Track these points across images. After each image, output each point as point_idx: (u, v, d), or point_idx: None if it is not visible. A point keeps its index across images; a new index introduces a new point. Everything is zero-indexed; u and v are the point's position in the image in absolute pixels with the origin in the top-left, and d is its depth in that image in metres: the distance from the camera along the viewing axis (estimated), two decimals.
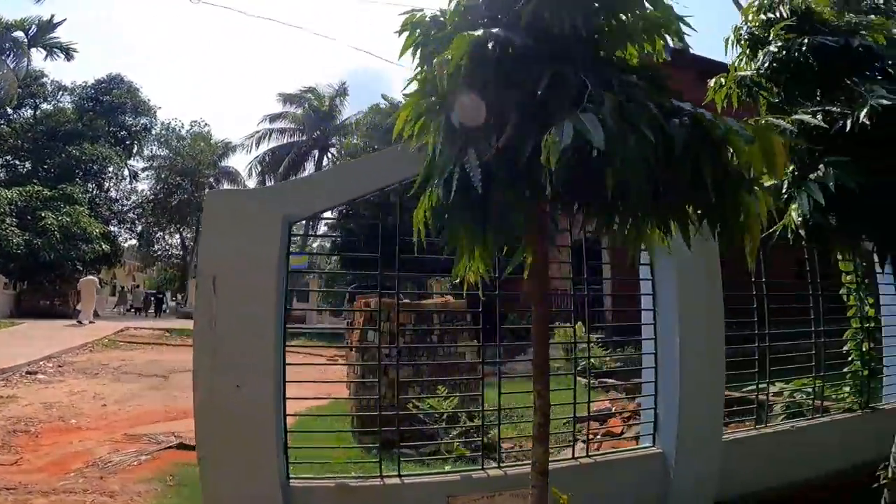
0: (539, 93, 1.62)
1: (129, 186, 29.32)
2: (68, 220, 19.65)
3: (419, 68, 1.99)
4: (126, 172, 29.87)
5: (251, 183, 27.57)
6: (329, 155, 26.13)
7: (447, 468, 3.79)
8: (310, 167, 26.08)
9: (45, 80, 25.56)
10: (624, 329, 7.20)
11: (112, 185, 28.17)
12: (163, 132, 30.46)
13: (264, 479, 2.76)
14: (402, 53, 2.00)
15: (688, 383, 3.37)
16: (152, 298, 24.78)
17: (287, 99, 26.05)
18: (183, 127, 30.96)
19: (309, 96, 25.92)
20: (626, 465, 3.43)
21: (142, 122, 29.51)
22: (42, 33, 20.03)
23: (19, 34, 19.78)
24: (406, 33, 1.96)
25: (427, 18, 1.96)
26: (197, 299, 2.93)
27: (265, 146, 25.93)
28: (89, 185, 26.27)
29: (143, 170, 30.47)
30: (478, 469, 3.21)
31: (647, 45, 1.91)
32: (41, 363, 9.92)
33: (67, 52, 20.20)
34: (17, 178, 23.56)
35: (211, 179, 31.50)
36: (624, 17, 1.86)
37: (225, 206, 2.94)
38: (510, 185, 1.71)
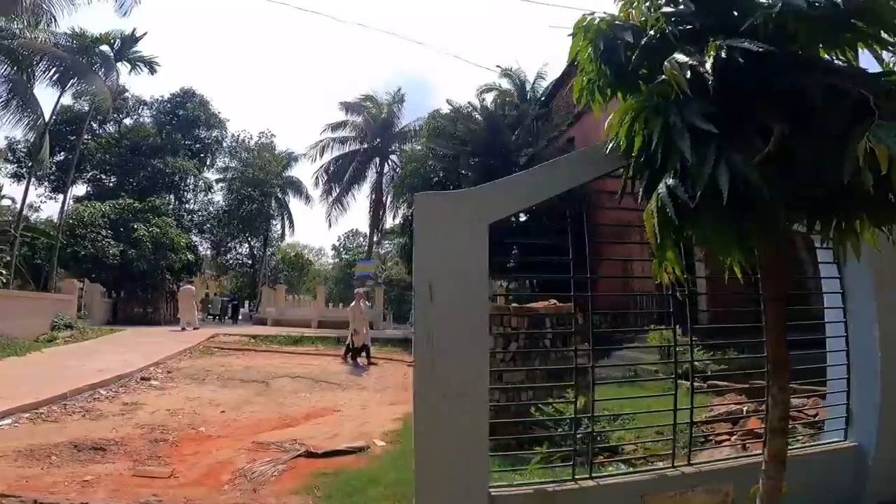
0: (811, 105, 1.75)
1: (205, 198, 30.72)
2: (157, 231, 20.64)
3: (591, 65, 2.28)
4: (201, 184, 31.37)
5: (317, 192, 28.17)
6: (389, 162, 26.28)
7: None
8: (371, 175, 26.35)
9: (126, 94, 27.05)
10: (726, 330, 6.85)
11: (191, 196, 29.58)
12: (233, 144, 31.73)
13: (475, 488, 2.71)
14: (572, 55, 2.33)
15: (889, 375, 3.32)
16: (229, 305, 25.60)
17: (347, 107, 26.38)
18: (252, 138, 32.08)
19: (368, 104, 26.17)
20: (816, 460, 3.42)
21: (213, 134, 30.90)
22: (126, 47, 20.39)
23: (105, 48, 20.20)
24: (575, 35, 2.25)
25: (597, 21, 2.19)
26: (415, 308, 2.82)
27: (328, 155, 26.45)
28: (170, 196, 27.72)
29: (217, 181, 31.83)
30: (670, 467, 3.14)
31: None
32: (151, 369, 10.27)
33: (151, 66, 20.97)
34: (105, 192, 25.08)
35: (277, 189, 32.52)
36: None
37: (433, 209, 2.82)
38: (778, 191, 1.79)
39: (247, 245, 37.21)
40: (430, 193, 3.24)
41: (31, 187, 22.51)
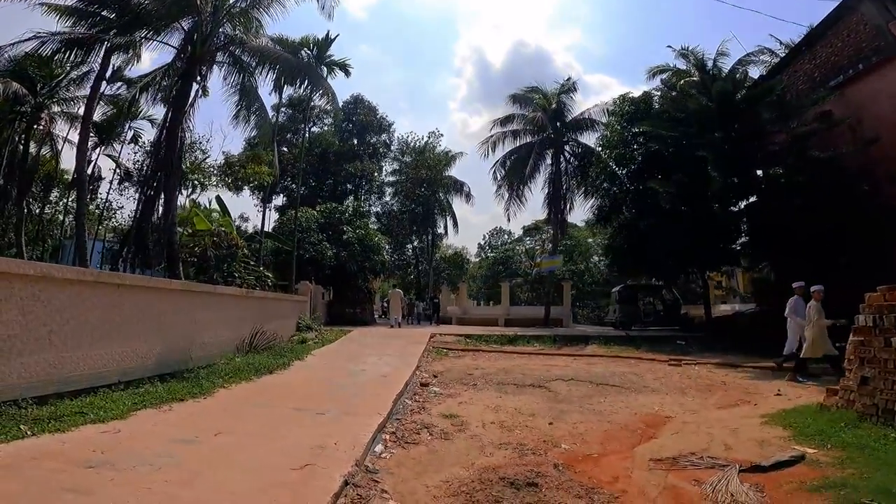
0: None
1: (380, 200, 31.87)
2: (363, 233, 21.25)
3: None
4: (376, 186, 32.60)
5: (493, 187, 27.31)
6: (565, 153, 24.31)
7: None
8: (544, 167, 24.64)
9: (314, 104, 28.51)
10: None
11: (367, 198, 30.75)
12: (401, 146, 32.42)
13: None
14: None
15: None
16: (425, 303, 25.02)
17: (515, 99, 24.97)
18: (422, 139, 32.47)
19: (535, 96, 24.53)
20: None
21: (382, 138, 31.93)
22: (322, 51, 21.06)
23: (305, 52, 20.46)
24: None
25: None
26: None
27: (500, 150, 25.30)
28: (351, 200, 29.05)
29: (390, 184, 32.80)
30: None
31: None
32: (418, 373, 9.71)
33: (345, 69, 21.51)
34: (305, 198, 26.75)
35: (440, 189, 32.42)
36: None
37: None
38: None
39: (410, 245, 38.12)
40: None
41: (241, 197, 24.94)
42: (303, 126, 28.19)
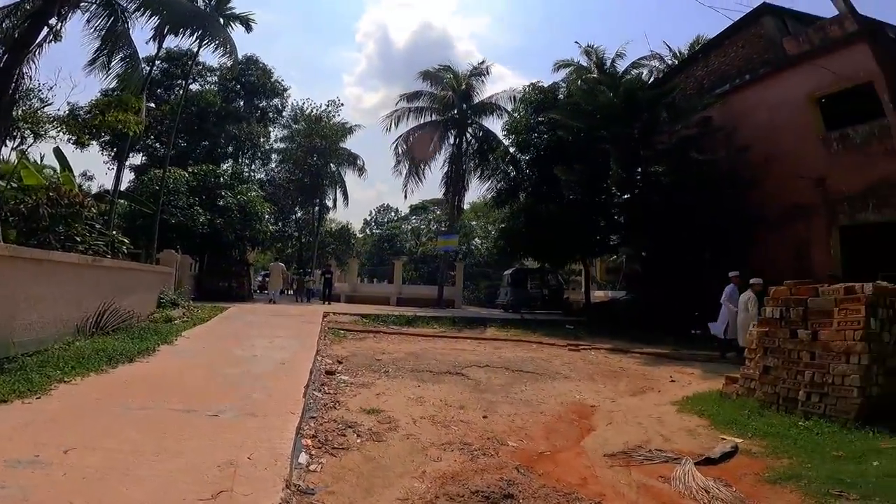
0: None
1: (266, 167, 29.11)
2: (244, 199, 18.82)
3: None
4: (260, 153, 29.65)
5: (385, 162, 26.36)
6: (467, 135, 24.20)
7: None
8: (446, 147, 24.33)
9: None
10: None
11: (250, 164, 27.89)
12: (293, 113, 29.85)
13: None
14: None
15: None
16: (321, 279, 22.57)
17: (426, 76, 24.21)
18: (320, 107, 30.12)
19: (447, 75, 24.00)
20: None
21: (274, 102, 29.14)
22: (220, 3, 18.16)
23: (201, 3, 17.66)
24: None
25: None
26: None
27: (404, 126, 24.37)
28: (239, 163, 26.04)
29: (278, 151, 30.05)
30: None
31: None
32: (318, 360, 8.62)
33: (247, 24, 18.65)
34: (174, 158, 23.21)
35: (333, 160, 30.54)
36: None
37: None
38: None
39: (294, 216, 35.44)
40: None
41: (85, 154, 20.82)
42: (181, 81, 24.68)
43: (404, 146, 24.01)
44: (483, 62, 23.85)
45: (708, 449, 4.79)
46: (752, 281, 10.16)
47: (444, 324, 14.79)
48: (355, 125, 31.16)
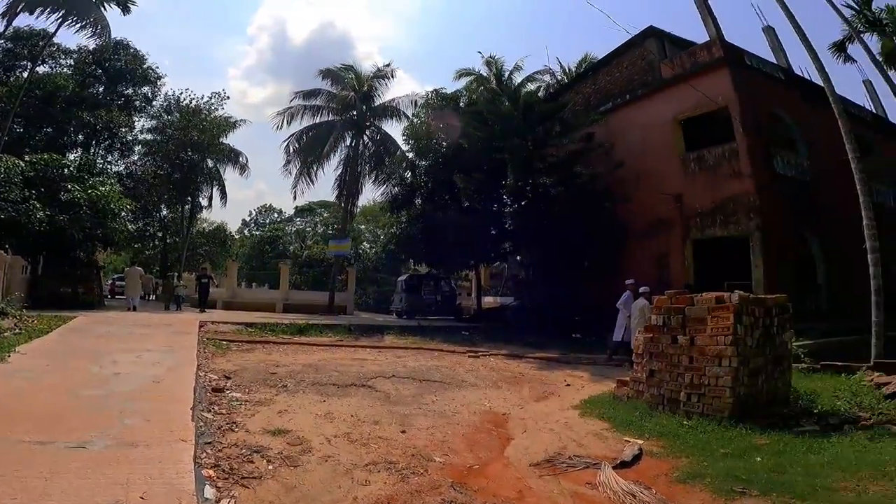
0: None
1: (133, 160, 25.57)
2: (97, 193, 16.10)
3: None
4: (119, 144, 26.02)
5: (281, 160, 24.63)
6: (365, 138, 23.62)
7: None
8: (341, 148, 23.45)
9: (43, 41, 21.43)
10: None
11: (117, 155, 24.34)
12: (165, 103, 26.68)
13: None
14: None
15: None
16: (196, 284, 19.82)
17: (326, 75, 23.08)
18: (201, 98, 27.23)
19: (350, 75, 23.24)
20: None
21: (143, 90, 25.88)
22: None
23: None
24: None
25: None
26: None
27: (297, 124, 22.92)
28: (90, 154, 22.53)
29: (143, 143, 26.54)
30: None
31: None
32: (210, 376, 7.60)
33: (125, 5, 15.98)
34: (7, 145, 19.36)
35: (211, 157, 27.91)
36: None
37: None
38: None
39: (158, 214, 31.57)
40: None
41: None
42: (27, 63, 21.05)
43: (297, 145, 22.61)
44: (388, 64, 23.44)
45: (618, 452, 5.02)
46: (641, 290, 11.04)
47: (340, 332, 14.09)
48: (240, 120, 28.75)
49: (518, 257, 19.99)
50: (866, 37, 15.85)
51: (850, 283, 14.27)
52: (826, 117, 15.81)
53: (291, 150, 22.56)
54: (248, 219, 57.47)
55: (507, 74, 19.43)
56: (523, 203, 16.83)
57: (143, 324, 12.46)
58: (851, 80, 56.70)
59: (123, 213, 17.92)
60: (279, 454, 4.34)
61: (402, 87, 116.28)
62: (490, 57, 18.87)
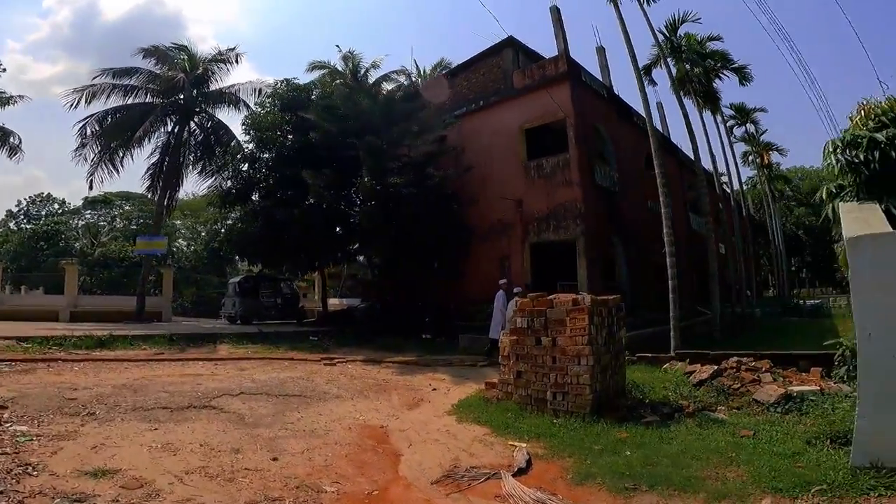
0: None
1: None
2: None
3: None
4: None
5: (73, 144, 19.71)
6: (192, 125, 20.41)
7: None
8: (160, 135, 19.91)
9: None
10: None
11: None
12: None
13: None
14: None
15: None
16: None
17: (150, 54, 19.21)
18: None
19: (181, 55, 19.78)
20: None
21: None
22: None
23: None
24: None
25: None
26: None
27: (101, 104, 18.57)
28: None
29: None
30: None
31: None
32: None
33: None
34: None
35: None
36: None
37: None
38: None
39: None
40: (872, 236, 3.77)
41: None
42: None
43: (97, 127, 18.35)
44: (234, 48, 20.54)
45: (508, 458, 4.92)
46: (515, 290, 11.15)
47: (159, 343, 11.76)
48: (16, 96, 22.39)
49: (363, 257, 19.35)
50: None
51: (644, 281, 17.10)
52: (626, 133, 18.75)
53: (89, 132, 18.31)
54: (15, 209, 45.61)
55: (363, 71, 18.77)
56: (373, 202, 16.27)
57: None
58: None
59: None
60: (113, 502, 3.17)
61: (241, 76, 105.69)
62: (348, 52, 18.00)
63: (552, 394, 6.46)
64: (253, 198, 17.75)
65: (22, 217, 45.41)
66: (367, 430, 5.94)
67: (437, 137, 16.11)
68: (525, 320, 6.99)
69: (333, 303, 22.86)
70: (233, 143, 19.35)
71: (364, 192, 14.99)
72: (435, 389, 8.75)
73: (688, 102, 19.55)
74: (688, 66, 19.71)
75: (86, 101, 18.32)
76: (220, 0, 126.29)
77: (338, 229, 16.95)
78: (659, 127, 21.62)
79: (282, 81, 17.92)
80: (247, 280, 20.66)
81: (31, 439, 4.58)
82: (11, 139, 21.97)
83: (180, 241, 43.79)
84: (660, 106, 23.04)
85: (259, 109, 17.91)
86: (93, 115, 18.42)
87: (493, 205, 16.17)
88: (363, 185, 14.33)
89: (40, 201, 46.83)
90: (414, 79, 21.12)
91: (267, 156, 17.01)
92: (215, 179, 19.21)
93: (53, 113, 74.31)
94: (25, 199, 46.74)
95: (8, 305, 16.89)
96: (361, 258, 20.36)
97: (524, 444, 5.31)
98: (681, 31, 19.48)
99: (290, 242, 15.60)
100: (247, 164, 17.72)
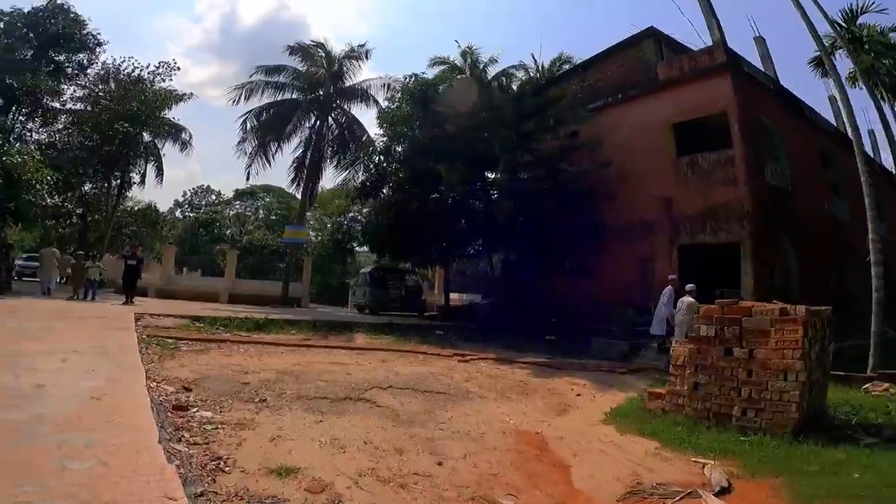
0: None
1: (57, 128, 22.61)
2: (11, 162, 13.60)
3: None
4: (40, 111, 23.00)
5: (237, 136, 22.38)
6: (329, 120, 21.91)
7: None
8: (303, 130, 21.67)
9: None
10: None
11: (38, 123, 21.41)
12: (106, 71, 23.73)
13: None
14: None
15: None
16: (124, 266, 16.61)
17: (294, 51, 21.13)
18: (146, 68, 24.40)
19: (318, 52, 21.41)
20: None
21: (78, 58, 22.97)
22: None
23: None
24: None
25: None
26: None
27: (257, 101, 20.83)
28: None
29: (70, 112, 23.46)
30: None
31: None
32: (154, 385, 6.10)
33: None
34: None
35: (148, 130, 25.12)
36: None
37: None
38: None
39: (80, 189, 28.19)
40: None
41: None
42: None
43: (255, 122, 20.60)
44: (363, 45, 21.87)
45: (694, 475, 4.46)
46: (687, 287, 10.56)
47: (304, 328, 12.67)
48: (187, 94, 25.95)
49: (491, 253, 19.22)
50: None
51: (818, 289, 14.74)
52: (798, 128, 16.37)
53: (248, 126, 20.55)
54: (181, 199, 53.21)
55: (482, 66, 18.66)
56: (506, 197, 16.04)
57: (62, 315, 10.50)
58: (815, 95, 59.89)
59: (40, 186, 15.32)
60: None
61: (366, 74, 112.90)
62: (467, 47, 18.13)
63: (741, 409, 5.86)
64: (384, 191, 18.54)
65: (187, 206, 52.84)
66: (522, 435, 5.63)
67: (569, 132, 15.43)
68: (712, 328, 6.29)
69: (454, 298, 23.10)
70: (364, 138, 20.34)
71: (498, 187, 14.81)
72: (579, 395, 8.22)
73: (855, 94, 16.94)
74: (871, 57, 17.07)
75: (245, 98, 20.59)
76: (337, 2, 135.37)
77: (468, 224, 17.02)
78: (833, 122, 18.92)
79: (410, 77, 18.43)
80: (377, 270, 21.62)
81: (217, 428, 4.86)
82: (183, 135, 25.51)
83: (311, 231, 47.84)
84: (832, 100, 20.21)
85: (390, 104, 18.61)
86: (251, 110, 20.64)
87: (634, 203, 15.04)
88: (498, 179, 14.15)
89: (201, 192, 54.14)
90: (532, 74, 20.49)
91: (399, 149, 17.60)
92: (349, 173, 20.48)
93: (205, 113, 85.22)
94: (189, 191, 54.27)
95: (177, 286, 19.56)
96: (477, 250, 20.27)
97: (709, 462, 4.65)
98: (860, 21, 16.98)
99: (421, 235, 15.95)
100: (380, 158, 18.49)
